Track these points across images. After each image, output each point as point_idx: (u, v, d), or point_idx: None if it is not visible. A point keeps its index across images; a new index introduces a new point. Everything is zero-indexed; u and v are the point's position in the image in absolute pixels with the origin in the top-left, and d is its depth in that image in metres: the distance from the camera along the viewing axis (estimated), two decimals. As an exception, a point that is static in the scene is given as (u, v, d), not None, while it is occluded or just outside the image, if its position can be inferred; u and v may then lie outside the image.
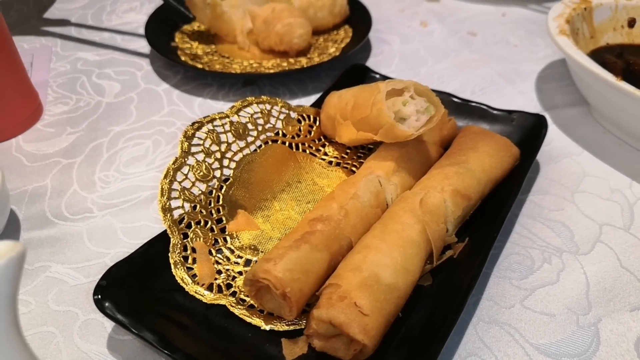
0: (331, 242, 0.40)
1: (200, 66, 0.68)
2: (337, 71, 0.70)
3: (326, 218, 0.41)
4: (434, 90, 0.48)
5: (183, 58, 0.70)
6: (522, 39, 0.79)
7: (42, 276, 0.44)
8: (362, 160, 0.54)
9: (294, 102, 0.65)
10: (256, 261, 0.43)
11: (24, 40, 0.79)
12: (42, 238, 0.48)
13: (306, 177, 0.52)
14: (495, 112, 0.56)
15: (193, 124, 0.47)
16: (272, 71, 0.67)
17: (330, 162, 0.54)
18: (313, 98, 0.66)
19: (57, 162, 0.56)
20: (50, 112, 0.64)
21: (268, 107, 0.53)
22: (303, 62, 0.70)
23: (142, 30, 0.80)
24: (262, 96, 0.52)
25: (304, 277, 0.37)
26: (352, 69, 0.63)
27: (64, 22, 0.84)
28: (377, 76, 0.62)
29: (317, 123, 0.56)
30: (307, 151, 0.54)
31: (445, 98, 0.58)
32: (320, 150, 0.55)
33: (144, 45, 0.77)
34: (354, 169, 0.53)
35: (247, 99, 0.51)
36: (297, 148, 0.54)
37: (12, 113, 0.60)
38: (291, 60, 0.71)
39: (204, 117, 0.48)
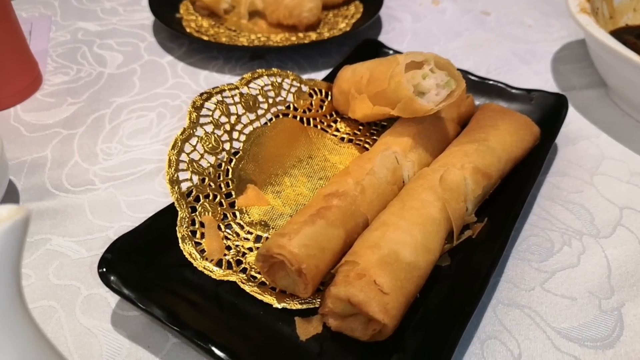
0: (347, 219, 0.38)
1: (206, 38, 0.66)
2: (347, 47, 0.68)
3: (342, 194, 0.39)
4: (454, 65, 0.46)
5: (188, 30, 0.68)
6: (536, 19, 0.77)
7: (42, 249, 0.42)
8: (375, 138, 0.52)
9: (304, 75, 0.63)
10: (267, 238, 0.41)
11: (22, 9, 0.76)
12: (42, 210, 0.46)
13: (317, 153, 0.50)
14: (513, 90, 0.54)
15: (202, 94, 0.45)
16: (280, 45, 0.64)
17: (342, 139, 0.52)
18: (323, 74, 0.64)
19: (58, 132, 0.54)
20: (50, 81, 0.62)
21: (279, 79, 0.50)
22: (312, 36, 0.67)
23: (145, 2, 0.78)
24: (273, 69, 0.50)
25: (320, 254, 0.35)
26: (364, 44, 0.61)
27: (64, -9, 0.81)
28: (390, 52, 0.60)
29: (329, 98, 0.54)
30: (319, 126, 0.52)
31: (462, 75, 0.56)
32: (332, 126, 0.53)
33: (147, 17, 0.74)
34: (367, 146, 0.51)
35: (257, 70, 0.49)
36: (309, 123, 0.52)
37: (10, 81, 0.57)
38: (300, 34, 0.68)
39: (213, 88, 0.46)
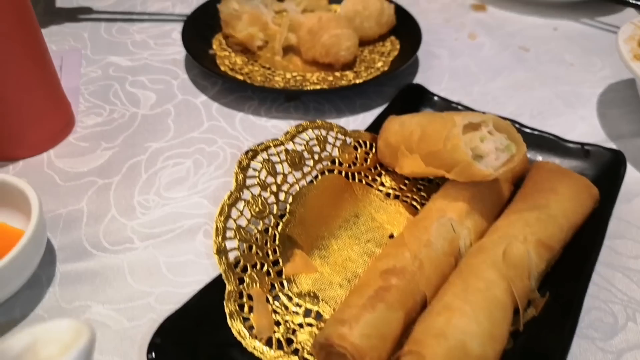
0: (406, 298, 0.36)
1: (240, 77, 0.64)
2: (386, 87, 0.66)
3: (400, 270, 0.37)
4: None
5: (222, 68, 0.66)
6: (577, 56, 0.74)
7: (82, 318, 0.41)
8: (422, 194, 0.50)
9: (341, 121, 0.61)
10: (317, 312, 0.39)
11: (52, 41, 0.75)
12: (80, 272, 0.44)
13: (364, 211, 0.48)
14: (567, 144, 0.52)
15: (247, 152, 0.43)
16: (317, 87, 0.62)
17: (387, 194, 0.50)
18: (361, 117, 0.62)
19: (93, 182, 0.53)
20: (83, 123, 0.60)
21: (323, 132, 0.49)
22: (350, 76, 0.66)
23: (176, 34, 0.76)
24: (317, 120, 0.48)
25: (381, 343, 0.33)
26: (408, 90, 0.59)
27: (93, 20, 0.80)
28: (435, 98, 0.58)
29: (374, 150, 0.52)
30: (364, 181, 0.50)
31: (514, 125, 0.54)
32: (376, 180, 0.51)
33: (179, 51, 0.73)
34: (414, 202, 0.49)
35: (302, 124, 0.47)
36: (353, 177, 0.50)
37: (45, 125, 0.56)
38: (337, 74, 0.66)
39: (258, 145, 0.44)
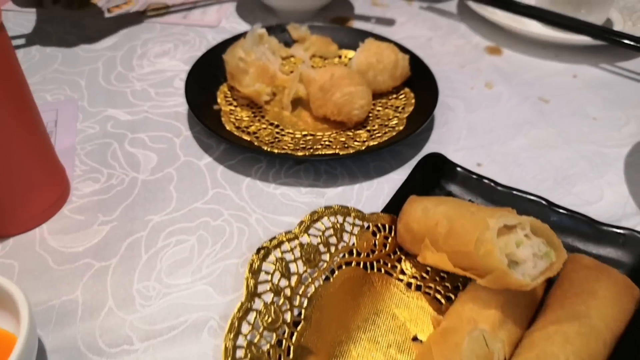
0: None
1: (247, 138, 0.60)
2: (400, 146, 0.62)
3: (431, 404, 0.33)
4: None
5: (227, 126, 0.62)
6: (600, 108, 0.71)
7: None
8: (446, 284, 0.46)
9: (354, 188, 0.57)
10: None
11: (47, 90, 0.71)
12: (74, 382, 0.40)
13: (384, 306, 0.44)
14: (601, 227, 0.48)
15: (258, 250, 0.39)
16: (329, 150, 0.59)
17: (409, 284, 0.46)
18: (375, 183, 0.58)
19: (89, 264, 0.49)
20: (79, 191, 0.56)
21: (340, 219, 0.45)
22: (363, 135, 0.62)
23: (178, 82, 0.73)
24: (333, 205, 0.44)
25: None
26: (427, 160, 0.55)
27: (91, 66, 0.76)
28: (458, 169, 0.54)
29: (393, 233, 0.48)
30: (383, 269, 0.46)
31: (539, 207, 0.50)
32: (396, 267, 0.47)
33: (181, 102, 0.69)
34: (437, 295, 0.45)
35: (317, 211, 0.43)
36: (372, 266, 0.46)
37: (37, 198, 0.52)
38: (349, 132, 0.62)
39: (270, 240, 0.40)
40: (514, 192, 0.52)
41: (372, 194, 0.57)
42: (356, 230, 0.45)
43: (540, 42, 0.83)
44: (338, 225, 0.44)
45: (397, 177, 0.59)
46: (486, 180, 0.53)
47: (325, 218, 0.44)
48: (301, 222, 0.43)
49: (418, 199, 0.47)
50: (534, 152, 0.63)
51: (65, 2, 0.84)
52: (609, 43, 0.77)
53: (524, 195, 0.51)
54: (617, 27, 0.87)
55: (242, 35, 0.73)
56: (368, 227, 0.47)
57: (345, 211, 0.45)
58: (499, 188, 0.52)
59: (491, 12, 0.86)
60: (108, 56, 0.78)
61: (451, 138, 0.65)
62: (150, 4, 0.92)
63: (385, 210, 0.49)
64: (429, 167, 0.54)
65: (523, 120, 0.68)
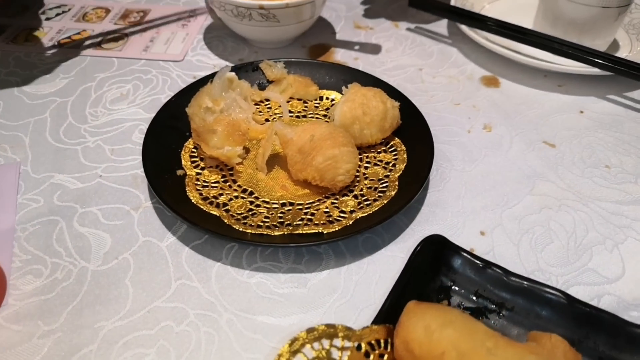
0: None
1: (216, 213, 0.52)
2: (391, 214, 0.54)
3: None
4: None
5: (192, 197, 0.54)
6: (612, 153, 0.63)
7: None
8: (454, 412, 0.38)
9: (341, 270, 0.50)
10: None
11: (-15, 150, 0.61)
12: None
13: None
14: (632, 329, 0.41)
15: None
16: (311, 229, 0.50)
17: (410, 414, 0.38)
18: (366, 262, 0.50)
19: (25, 397, 0.40)
20: (17, 290, 0.47)
21: (325, 344, 0.37)
22: (350, 203, 0.54)
23: (137, 136, 0.64)
24: (316, 327, 0.37)
25: None
26: (427, 243, 0.47)
27: (37, 117, 0.66)
28: (466, 255, 0.46)
29: (389, 349, 0.40)
30: (379, 398, 0.39)
31: (557, 303, 0.43)
32: (394, 392, 0.39)
33: (140, 163, 0.60)
34: None
35: (298, 337, 0.36)
36: (366, 396, 0.38)
37: (-38, 310, 0.43)
38: (334, 200, 0.54)
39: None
40: (527, 283, 0.44)
41: (362, 279, 0.49)
42: (346, 355, 0.38)
43: (541, 70, 0.75)
44: (324, 353, 0.37)
45: (390, 255, 0.51)
46: (495, 269, 0.45)
47: (308, 346, 0.36)
48: (279, 356, 0.35)
49: (418, 309, 0.39)
50: (544, 214, 0.56)
51: (9, 34, 0.74)
52: (619, 74, 0.69)
53: (540, 287, 0.44)
54: (624, 49, 0.79)
55: (208, 77, 0.65)
56: (359, 347, 0.39)
57: (331, 332, 0.37)
58: (510, 279, 0.45)
59: (484, 37, 0.78)
60: (57, 103, 0.69)
61: (449, 198, 0.57)
62: (107, 35, 0.82)
63: (379, 318, 0.41)
64: (428, 251, 0.46)
65: (529, 172, 0.61)
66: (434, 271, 0.46)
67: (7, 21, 0.85)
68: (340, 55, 0.80)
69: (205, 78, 0.65)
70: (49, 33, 0.82)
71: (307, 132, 0.54)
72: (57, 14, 0.88)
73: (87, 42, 0.80)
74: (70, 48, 0.79)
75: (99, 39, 0.81)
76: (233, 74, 0.63)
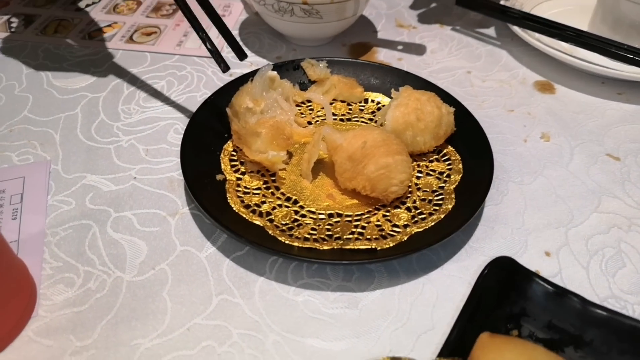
0: None
1: (259, 222, 0.48)
2: (450, 232, 0.50)
3: None
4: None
5: (234, 205, 0.50)
6: (681, 167, 0.59)
7: None
8: None
9: (395, 290, 0.46)
10: None
11: (14, 149, 0.58)
12: None
13: None
14: None
15: None
16: (362, 245, 0.47)
17: None
18: (422, 282, 0.46)
19: (56, 423, 0.37)
20: (47, 300, 0.44)
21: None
22: (403, 216, 0.50)
23: (172, 136, 0.60)
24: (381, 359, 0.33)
25: None
26: (496, 266, 0.43)
27: (67, 112, 0.63)
28: (539, 281, 0.42)
29: (459, 385, 0.36)
30: None
31: (647, 339, 0.38)
32: None
33: (176, 164, 0.56)
34: None
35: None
36: None
37: (-10, 322, 0.40)
38: (385, 212, 0.50)
39: None
40: (607, 314, 0.40)
41: (418, 301, 0.45)
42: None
43: (599, 76, 0.71)
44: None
45: (447, 275, 0.47)
46: (572, 297, 0.41)
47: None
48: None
49: (493, 343, 0.35)
50: (613, 234, 0.51)
51: (38, 24, 0.71)
52: (688, 84, 0.64)
53: (622, 319, 0.40)
54: (687, 57, 0.74)
55: (248, 76, 0.61)
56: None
57: (396, 366, 0.33)
58: (588, 308, 0.40)
59: (538, 39, 0.73)
60: (89, 98, 0.65)
61: (509, 213, 0.53)
62: (140, 27, 0.79)
63: (446, 349, 0.37)
64: (496, 275, 0.42)
65: (593, 187, 0.56)
66: (503, 297, 0.42)
67: (36, 11, 0.82)
68: (382, 55, 0.76)
69: (244, 76, 0.62)
70: (79, 24, 0.79)
71: (358, 138, 0.50)
72: (88, 5, 0.84)
73: (119, 35, 0.77)
74: (101, 41, 0.76)
75: (130, 32, 0.78)
76: (275, 72, 0.59)
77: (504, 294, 0.42)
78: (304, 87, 0.65)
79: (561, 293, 0.41)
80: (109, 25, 0.79)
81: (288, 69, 0.65)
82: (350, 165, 0.50)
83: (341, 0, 0.68)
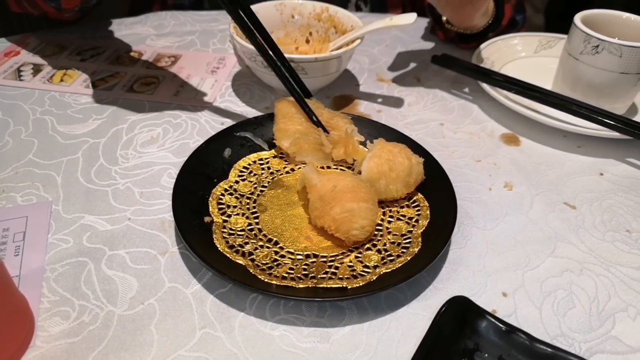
0: None
1: (241, 262, 0.53)
2: (414, 273, 0.54)
3: None
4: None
5: (219, 245, 0.55)
6: (632, 217, 0.64)
7: None
8: None
9: (364, 326, 0.50)
10: None
11: (18, 190, 0.63)
12: None
13: None
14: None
15: None
16: (335, 283, 0.51)
17: None
18: (389, 319, 0.51)
19: None
20: (44, 332, 0.48)
21: (352, 406, 0.37)
22: (373, 258, 0.55)
23: (165, 180, 0.65)
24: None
25: None
26: (452, 304, 0.47)
27: (69, 156, 0.69)
28: (491, 319, 0.47)
29: (414, 413, 0.40)
30: None
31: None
32: None
33: (168, 207, 0.61)
34: None
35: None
36: None
37: (-10, 351, 0.44)
38: (358, 254, 0.55)
39: None
40: (552, 351, 0.44)
41: (385, 336, 0.49)
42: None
43: (560, 130, 0.77)
44: (350, 416, 0.37)
45: (412, 313, 0.51)
46: (520, 334, 0.45)
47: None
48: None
49: (445, 374, 0.39)
50: (566, 277, 0.56)
51: (45, 73, 0.77)
52: (638, 139, 0.71)
53: (565, 356, 0.44)
54: (642, 113, 0.81)
55: (239, 127, 0.67)
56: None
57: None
58: (535, 345, 0.45)
59: (506, 95, 0.80)
60: (90, 144, 0.71)
61: (471, 256, 0.58)
62: (140, 77, 0.85)
63: (405, 379, 0.41)
64: (452, 313, 0.47)
65: (550, 234, 0.61)
66: (458, 333, 0.46)
67: (44, 60, 0.88)
68: (363, 107, 0.82)
69: (234, 126, 0.68)
70: (84, 74, 0.86)
71: (331, 182, 0.56)
72: (92, 56, 0.91)
73: (120, 85, 0.83)
74: (104, 90, 0.82)
75: (131, 82, 0.84)
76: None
77: (459, 330, 0.46)
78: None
79: (511, 330, 0.46)
80: (112, 75, 0.85)
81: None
82: (320, 205, 0.55)
83: (325, 59, 0.75)
